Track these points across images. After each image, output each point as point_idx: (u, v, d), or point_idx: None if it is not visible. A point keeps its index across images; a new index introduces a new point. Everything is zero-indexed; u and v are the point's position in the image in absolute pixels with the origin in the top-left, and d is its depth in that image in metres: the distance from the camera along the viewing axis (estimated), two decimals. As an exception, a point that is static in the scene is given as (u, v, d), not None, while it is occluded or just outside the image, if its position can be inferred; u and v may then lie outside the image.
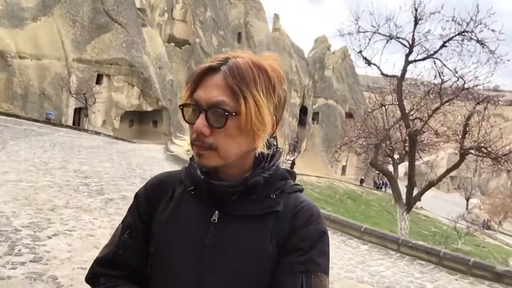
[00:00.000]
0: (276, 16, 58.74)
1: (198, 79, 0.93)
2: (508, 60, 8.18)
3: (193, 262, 0.96)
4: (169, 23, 43.31)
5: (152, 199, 1.07)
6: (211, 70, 0.92)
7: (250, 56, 0.95)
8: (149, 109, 35.21)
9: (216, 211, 0.97)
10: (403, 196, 9.37)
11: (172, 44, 42.28)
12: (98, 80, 31.86)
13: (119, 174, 10.81)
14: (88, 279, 1.09)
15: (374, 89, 10.28)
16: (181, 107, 0.95)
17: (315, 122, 57.70)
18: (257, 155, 0.98)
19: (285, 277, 0.92)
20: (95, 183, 9.15)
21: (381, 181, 48.93)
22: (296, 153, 48.21)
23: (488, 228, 43.87)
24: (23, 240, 5.01)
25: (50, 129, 20.58)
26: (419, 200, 11.24)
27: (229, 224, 0.96)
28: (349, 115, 60.60)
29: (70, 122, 29.55)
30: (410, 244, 6.45)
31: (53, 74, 29.16)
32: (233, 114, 0.89)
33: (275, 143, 1.04)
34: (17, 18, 28.13)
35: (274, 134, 1.03)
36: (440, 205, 51.02)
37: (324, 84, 59.07)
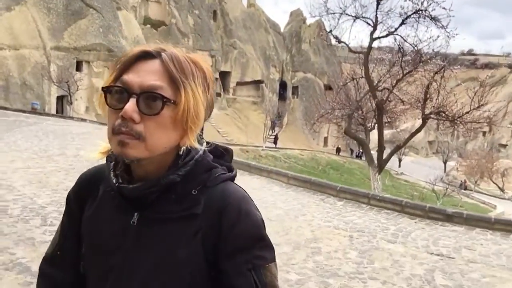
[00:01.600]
0: (249, -7, 58.69)
1: (130, 63, 0.87)
2: (457, 34, 9.24)
3: (116, 266, 0.93)
4: (144, 5, 43.18)
5: (80, 199, 1.04)
6: (147, 55, 0.88)
7: (184, 52, 0.92)
8: (131, 93, 35.58)
9: (136, 214, 0.93)
10: (375, 160, 10.54)
11: (148, 26, 42.26)
12: (78, 67, 32.01)
13: (116, 156, 11.64)
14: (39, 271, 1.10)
15: (349, 59, 11.12)
16: (104, 90, 0.87)
17: (295, 96, 58.63)
18: (181, 152, 0.92)
19: (236, 280, 0.90)
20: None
21: (359, 151, 50.60)
22: (277, 128, 49.25)
23: (465, 188, 45.76)
24: (51, 214, 5.90)
25: (37, 119, 21.05)
26: (399, 166, 12.23)
27: (149, 227, 0.92)
28: (328, 87, 61.59)
29: (53, 111, 29.86)
30: (378, 197, 7.57)
31: (33, 63, 29.25)
32: (171, 101, 0.85)
33: (203, 140, 0.98)
34: (-9, 9, 27.98)
35: (201, 133, 0.98)
36: (419, 169, 52.92)
37: (302, 58, 59.77)
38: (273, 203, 7.68)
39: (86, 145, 13.45)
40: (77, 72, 31.18)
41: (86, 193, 1.03)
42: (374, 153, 11.82)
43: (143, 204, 0.93)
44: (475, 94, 9.58)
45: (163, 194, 0.92)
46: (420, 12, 8.83)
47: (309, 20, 64.66)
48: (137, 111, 0.84)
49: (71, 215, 1.05)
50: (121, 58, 0.89)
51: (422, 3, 8.60)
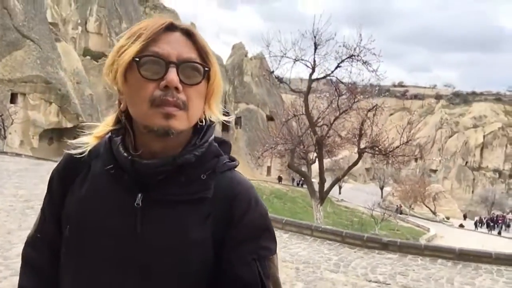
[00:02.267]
0: (192, 25, 59.33)
1: (157, 34, 0.86)
2: (386, 77, 10.22)
3: (114, 251, 0.89)
4: (84, 36, 42.56)
5: (65, 178, 0.99)
6: (172, 28, 0.88)
7: None
8: (69, 125, 34.48)
9: (140, 194, 0.89)
10: (317, 192, 11.16)
11: (88, 57, 41.57)
12: (13, 100, 30.72)
13: (58, 194, 11.32)
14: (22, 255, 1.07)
15: (290, 91, 11.67)
16: (137, 60, 0.84)
17: (238, 127, 59.45)
18: (198, 126, 0.92)
19: (240, 269, 0.89)
20: (38, 205, 9.67)
21: (301, 179, 51.99)
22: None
23: (401, 212, 47.90)
24: (-4, 260, 5.75)
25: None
26: (340, 193, 12.93)
27: (155, 209, 0.89)
28: (270, 118, 63.20)
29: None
30: (320, 229, 8.08)
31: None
32: (209, 70, 0.87)
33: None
34: None
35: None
36: (358, 196, 54.89)
37: (244, 90, 61.09)
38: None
39: (25, 183, 12.96)
40: (11, 104, 29.90)
41: (73, 171, 0.98)
42: (315, 183, 12.48)
43: (148, 185, 0.90)
44: (403, 130, 10.65)
45: (171, 175, 0.90)
46: (353, 57, 9.76)
47: (251, 53, 66.68)
48: (179, 80, 0.84)
49: (51, 196, 1.02)
50: (146, 27, 0.87)
51: (354, 49, 9.56)
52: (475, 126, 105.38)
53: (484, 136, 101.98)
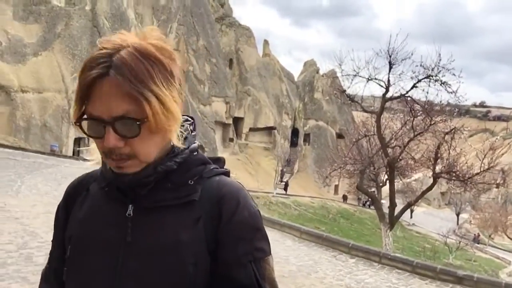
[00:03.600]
0: (266, 42, 60.70)
1: (87, 90, 0.85)
2: (467, 99, 9.60)
3: (109, 262, 0.91)
4: (163, 53, 44.90)
5: (67, 204, 1.04)
6: (100, 77, 0.83)
7: (133, 42, 0.86)
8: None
9: (130, 205, 0.93)
10: (386, 216, 10.68)
11: (167, 72, 43.70)
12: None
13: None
14: None
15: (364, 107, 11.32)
16: (77, 124, 0.88)
17: (307, 143, 59.15)
18: (171, 143, 0.94)
19: (236, 271, 0.90)
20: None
21: (368, 199, 50.32)
22: (288, 175, 49.38)
23: (479, 242, 44.84)
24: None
25: (56, 161, 21.64)
26: (411, 217, 12.34)
27: (145, 217, 0.92)
28: (340, 136, 62.22)
29: (70, 153, 30.63)
30: (389, 256, 7.69)
31: (54, 106, 30.36)
32: (145, 120, 0.84)
33: (191, 127, 1.00)
34: (19, 54, 29.44)
35: (187, 118, 1.01)
36: (431, 221, 52.14)
37: (314, 106, 60.83)
38: (285, 258, 7.82)
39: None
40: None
41: (73, 195, 1.04)
42: (385, 206, 11.96)
43: (138, 196, 0.93)
44: (485, 155, 9.87)
45: (158, 183, 0.93)
46: (431, 77, 9.31)
47: (322, 70, 66.43)
48: (118, 137, 0.85)
49: (58, 223, 1.06)
50: (79, 85, 0.86)
51: (432, 69, 9.12)
52: None
53: None
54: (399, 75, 9.72)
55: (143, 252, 0.90)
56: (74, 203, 1.03)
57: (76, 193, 1.04)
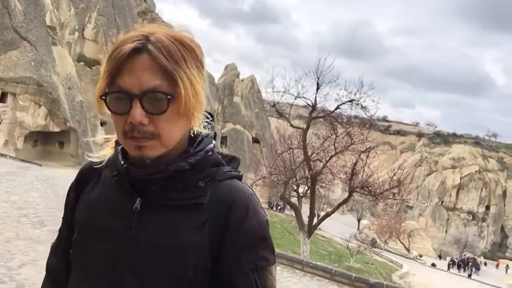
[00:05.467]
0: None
1: (120, 64, 0.85)
2: (375, 118, 10.79)
3: (111, 251, 0.91)
4: (79, 42, 42.64)
5: (80, 185, 1.05)
6: (135, 52, 0.84)
7: (167, 31, 0.88)
8: (56, 129, 34.24)
9: (139, 199, 0.92)
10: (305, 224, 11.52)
11: (82, 63, 41.59)
12: (2, 99, 30.48)
13: (51, 204, 11.42)
14: None
15: (279, 114, 11.82)
16: (103, 97, 0.87)
17: (224, 146, 59.65)
18: (192, 135, 0.94)
19: (237, 279, 0.89)
20: (32, 214, 9.76)
21: (281, 204, 52.11)
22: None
23: (375, 246, 48.29)
24: (-1, 270, 5.85)
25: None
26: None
27: (152, 213, 0.92)
28: (256, 140, 63.77)
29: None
30: (311, 265, 8.38)
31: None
32: (175, 96, 0.84)
33: (209, 126, 1.00)
34: None
35: (207, 115, 1.00)
36: (335, 226, 55.26)
37: (233, 110, 61.59)
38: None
39: (15, 188, 12.95)
40: (0, 103, 29.65)
41: (86, 178, 1.04)
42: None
43: (147, 191, 0.93)
44: (394, 174, 11.19)
45: (169, 182, 0.92)
46: (353, 101, 10.33)
47: (242, 75, 67.56)
48: (144, 113, 0.84)
49: (68, 203, 1.07)
50: (111, 57, 0.87)
51: (355, 94, 10.14)
52: (453, 167, 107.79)
53: (461, 178, 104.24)
54: (325, 95, 10.67)
55: (145, 248, 0.90)
56: (85, 185, 1.03)
57: (89, 176, 1.04)
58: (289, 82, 10.20)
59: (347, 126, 10.77)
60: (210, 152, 0.98)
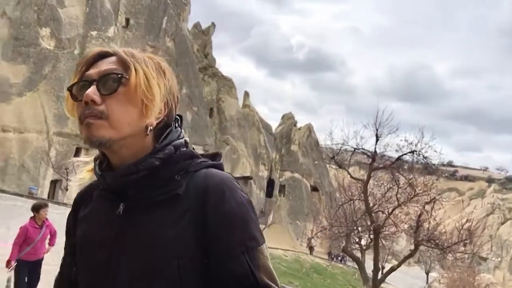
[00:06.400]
0: (246, 94, 62.31)
1: (91, 63, 0.96)
2: (445, 175, 10.38)
3: (104, 259, 0.95)
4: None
5: (75, 211, 1.09)
6: (105, 54, 0.97)
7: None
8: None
9: (121, 204, 0.96)
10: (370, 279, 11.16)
11: (148, 118, 43.98)
12: (77, 153, 32.82)
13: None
14: None
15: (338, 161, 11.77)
16: (69, 89, 0.96)
17: (282, 195, 59.57)
18: (149, 130, 0.95)
19: (229, 263, 0.90)
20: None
21: (341, 254, 50.40)
22: (262, 226, 49.30)
23: (447, 302, 44.89)
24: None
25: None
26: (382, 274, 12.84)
27: (134, 214, 0.95)
28: (314, 188, 63.14)
29: (45, 195, 30.03)
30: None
31: (33, 147, 30.06)
32: (125, 77, 0.91)
33: (176, 124, 1.03)
34: (4, 94, 29.40)
35: (176, 116, 1.03)
36: (402, 279, 52.25)
37: (291, 158, 61.94)
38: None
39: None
40: (74, 157, 31.91)
41: (80, 203, 1.08)
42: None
43: (128, 195, 0.96)
44: (462, 227, 10.67)
45: (146, 181, 0.94)
46: (415, 152, 10.25)
47: (300, 123, 68.30)
48: (98, 93, 0.91)
49: (68, 231, 1.10)
50: (84, 57, 0.97)
51: (416, 145, 10.08)
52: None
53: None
54: (384, 146, 10.67)
55: (131, 249, 0.92)
56: (79, 209, 1.07)
57: (82, 200, 1.08)
58: (347, 134, 10.39)
59: (410, 177, 10.61)
60: (184, 148, 1.01)
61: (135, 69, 0.92)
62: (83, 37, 34.51)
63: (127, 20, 43.30)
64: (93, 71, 0.94)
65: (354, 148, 10.98)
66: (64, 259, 1.10)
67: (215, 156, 1.06)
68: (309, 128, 66.76)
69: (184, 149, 1.01)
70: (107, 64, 0.94)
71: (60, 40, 32.92)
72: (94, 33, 35.19)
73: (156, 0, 44.27)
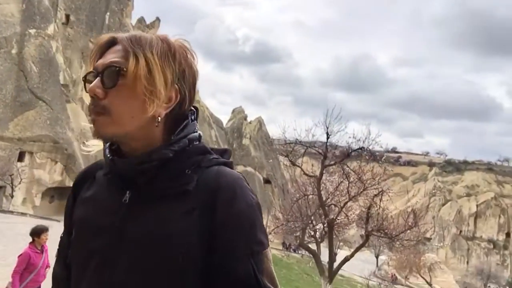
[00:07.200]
0: (195, 89, 61.87)
1: (101, 52, 0.94)
2: (392, 170, 11.14)
3: (102, 246, 0.91)
4: (91, 97, 44.11)
5: (76, 189, 1.06)
6: (112, 41, 0.94)
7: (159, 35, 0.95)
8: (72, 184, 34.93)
9: (128, 192, 0.93)
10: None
11: (95, 117, 42.81)
12: (20, 158, 31.46)
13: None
14: None
15: (287, 152, 12.21)
16: (84, 79, 0.94)
17: (235, 189, 59.92)
18: (156, 123, 0.92)
19: (234, 265, 0.88)
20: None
21: (295, 243, 51.68)
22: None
23: (396, 283, 47.23)
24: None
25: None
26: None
27: (140, 204, 0.92)
28: (267, 181, 64.09)
29: (-12, 202, 28.59)
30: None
31: (-27, 152, 28.49)
32: (123, 69, 0.88)
33: (192, 117, 1.00)
34: None
35: (191, 108, 1.00)
36: (353, 264, 54.24)
37: (243, 152, 62.42)
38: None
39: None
40: (19, 163, 30.60)
41: (80, 183, 1.05)
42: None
43: (137, 183, 0.93)
44: (408, 217, 11.55)
45: (157, 172, 0.92)
46: (363, 148, 10.91)
47: (250, 117, 68.89)
48: (101, 86, 0.88)
49: (66, 211, 1.06)
50: (94, 47, 0.95)
51: (363, 141, 10.75)
52: (468, 195, 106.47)
53: (477, 206, 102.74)
54: (335, 145, 11.30)
55: (134, 240, 0.89)
56: (80, 190, 1.04)
57: (83, 181, 1.05)
58: (300, 132, 10.88)
59: (359, 172, 11.30)
60: (197, 142, 0.99)
61: (136, 58, 0.88)
62: (20, 36, 32.92)
63: (67, 17, 41.72)
64: (100, 62, 0.91)
65: (307, 146, 11.51)
66: (62, 238, 1.08)
67: (225, 152, 1.04)
68: (260, 122, 67.50)
69: (198, 143, 0.99)
70: (112, 54, 0.91)
71: (-5, 39, 31.22)
72: (32, 31, 33.67)
73: (98, -4, 42.80)
